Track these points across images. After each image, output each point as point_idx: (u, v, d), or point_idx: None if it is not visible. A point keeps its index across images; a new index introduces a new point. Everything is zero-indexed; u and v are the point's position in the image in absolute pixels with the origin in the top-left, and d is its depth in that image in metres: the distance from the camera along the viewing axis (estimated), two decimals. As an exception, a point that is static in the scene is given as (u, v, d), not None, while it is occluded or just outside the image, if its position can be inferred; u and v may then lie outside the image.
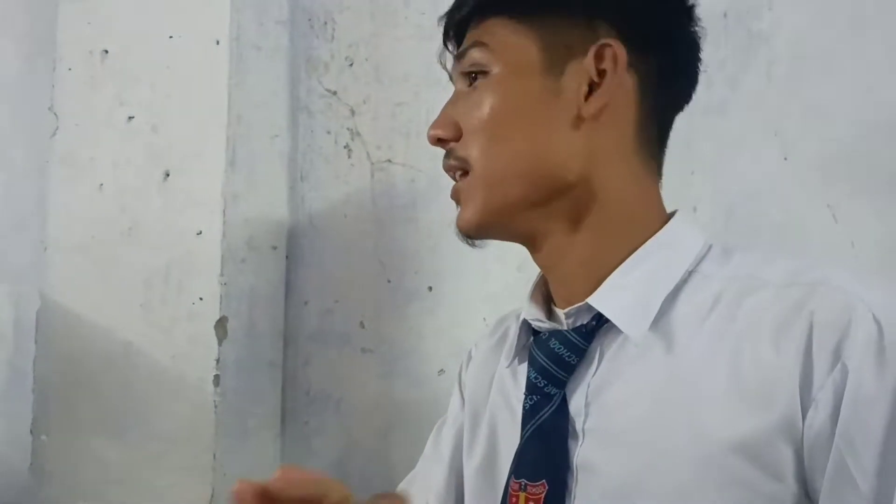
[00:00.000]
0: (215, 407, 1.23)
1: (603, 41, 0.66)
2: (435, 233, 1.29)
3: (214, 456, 1.23)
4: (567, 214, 0.68)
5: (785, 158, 1.10)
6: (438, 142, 0.70)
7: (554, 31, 0.68)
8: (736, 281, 0.63)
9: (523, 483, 0.65)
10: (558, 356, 0.66)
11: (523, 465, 0.66)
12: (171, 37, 1.31)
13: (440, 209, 1.30)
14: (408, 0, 1.35)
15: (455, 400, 0.87)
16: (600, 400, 0.64)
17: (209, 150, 1.27)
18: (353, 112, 1.38)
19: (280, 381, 1.36)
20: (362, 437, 1.32)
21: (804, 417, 0.55)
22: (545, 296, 0.74)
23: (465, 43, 0.70)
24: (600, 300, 0.65)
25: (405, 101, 1.34)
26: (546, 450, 0.65)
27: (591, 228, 0.68)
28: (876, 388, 0.53)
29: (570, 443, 0.64)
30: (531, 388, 0.67)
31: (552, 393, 0.66)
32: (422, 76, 1.33)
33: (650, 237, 0.67)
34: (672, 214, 0.71)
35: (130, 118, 1.33)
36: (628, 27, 0.67)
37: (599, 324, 0.66)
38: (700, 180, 1.13)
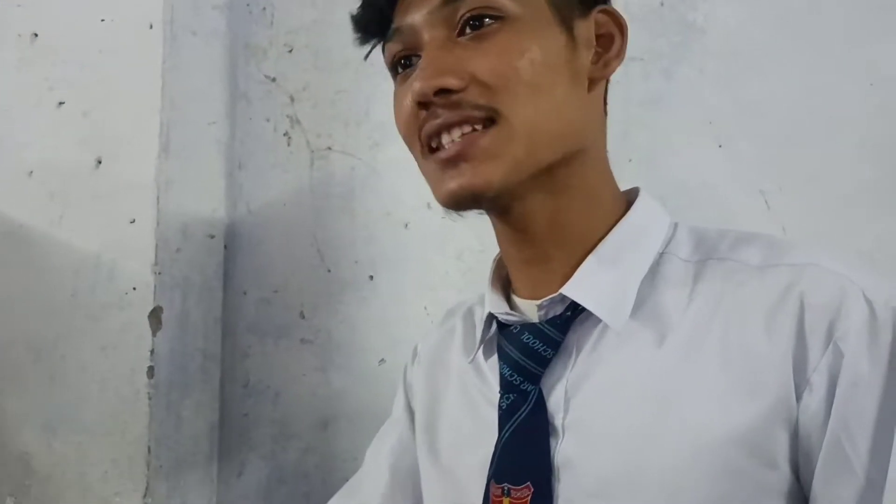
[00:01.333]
0: (149, 398, 1.20)
1: (603, 6, 0.65)
2: (374, 222, 1.28)
3: (149, 448, 1.20)
4: (563, 185, 0.63)
5: (720, 146, 1.11)
6: (438, 93, 0.60)
7: None
8: (712, 264, 0.61)
9: (506, 487, 0.61)
10: (532, 350, 0.62)
11: (504, 469, 0.62)
12: (102, 20, 1.28)
13: (380, 198, 1.29)
14: (348, -14, 1.33)
15: (399, 402, 0.83)
16: (581, 394, 0.61)
17: (142, 136, 1.24)
18: (292, 99, 1.36)
19: (217, 373, 1.33)
20: (300, 428, 1.30)
21: (799, 399, 0.54)
22: (503, 285, 0.70)
23: None
24: (575, 289, 0.62)
25: (345, 88, 1.33)
26: (528, 451, 0.61)
27: (576, 205, 0.64)
28: (870, 370, 0.52)
29: (551, 440, 0.61)
30: (507, 386, 0.63)
31: (528, 390, 0.62)
32: (361, 64, 1.31)
33: (619, 217, 0.65)
34: (631, 192, 0.68)
35: (61, 103, 1.29)
36: None
37: (575, 313, 0.62)
38: (636, 168, 1.13)
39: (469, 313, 0.78)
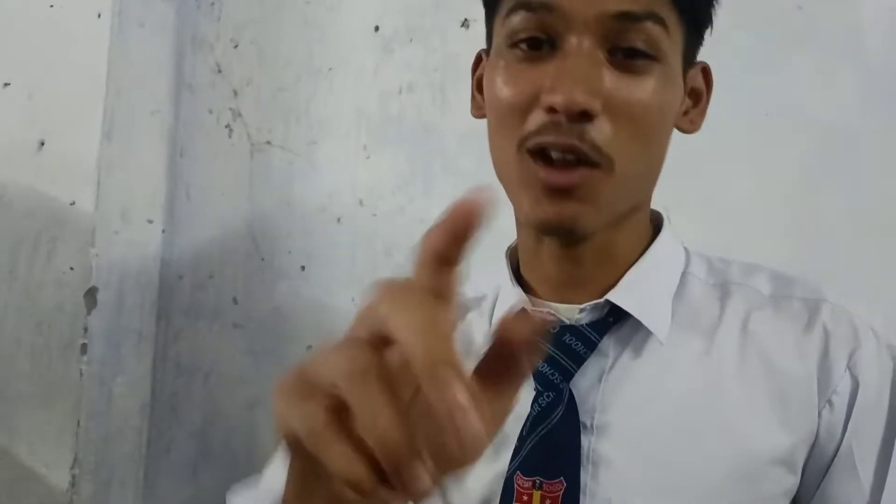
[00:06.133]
0: (81, 375, 1.25)
1: (702, 62, 0.66)
2: (309, 216, 1.34)
3: (78, 422, 1.24)
4: (626, 221, 0.65)
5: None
6: (576, 116, 0.57)
7: (694, 32, 0.63)
8: (733, 287, 0.67)
9: (538, 481, 0.63)
10: (571, 349, 0.64)
11: (535, 462, 0.63)
12: (51, 6, 1.31)
13: (315, 193, 1.35)
14: (295, -13, 1.39)
15: None
16: (619, 396, 0.64)
17: (86, 120, 1.29)
18: (235, 93, 1.41)
19: (151, 353, 1.39)
20: (228, 409, 1.36)
21: (819, 415, 0.62)
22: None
23: (637, 5, 0.58)
24: (621, 298, 0.64)
25: (286, 85, 1.38)
26: (563, 447, 0.63)
27: (627, 234, 0.67)
28: (878, 392, 0.63)
29: (583, 438, 0.63)
30: (545, 383, 0.64)
31: (563, 388, 0.64)
32: (303, 63, 1.37)
33: (650, 238, 0.68)
34: (653, 214, 0.71)
35: (6, 84, 1.33)
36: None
37: (615, 320, 0.65)
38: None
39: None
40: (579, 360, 0.64)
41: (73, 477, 1.23)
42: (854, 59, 1.13)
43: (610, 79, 0.58)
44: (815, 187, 1.13)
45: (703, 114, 0.67)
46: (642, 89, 0.58)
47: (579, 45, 0.58)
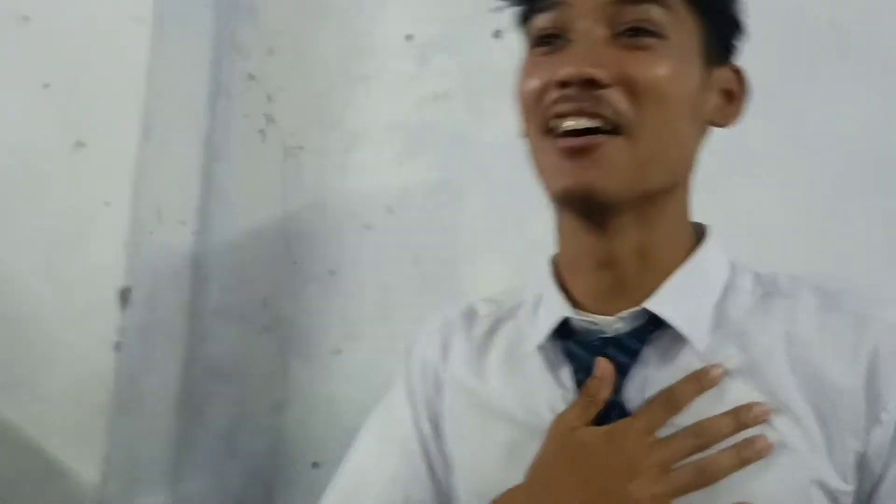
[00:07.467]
0: (114, 372, 1.26)
1: (736, 65, 0.70)
2: (339, 220, 1.36)
3: (109, 420, 1.26)
4: (657, 214, 0.66)
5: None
6: (586, 84, 0.61)
7: (714, 29, 0.67)
8: (778, 299, 0.67)
9: None
10: (617, 362, 0.65)
11: None
12: (93, 8, 1.33)
13: (346, 199, 1.36)
14: (331, -5, 1.41)
15: (406, 414, 0.77)
16: None
17: (123, 122, 1.30)
18: (270, 98, 1.43)
19: (181, 352, 1.40)
20: (255, 410, 1.38)
21: (867, 432, 0.61)
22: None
23: None
24: (660, 306, 0.65)
25: (321, 91, 1.40)
26: None
27: (663, 235, 0.67)
28: None
29: None
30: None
31: (612, 400, 0.64)
32: (339, 70, 1.39)
33: (691, 247, 0.69)
34: (698, 226, 0.72)
35: (46, 85, 1.34)
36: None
37: (654, 329, 0.66)
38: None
39: (491, 330, 0.77)
40: (624, 372, 0.65)
41: (103, 474, 1.24)
42: (887, 76, 1.14)
43: (615, 53, 0.62)
44: (845, 205, 1.13)
45: (738, 112, 0.70)
46: (649, 62, 0.62)
47: (586, 30, 0.63)
